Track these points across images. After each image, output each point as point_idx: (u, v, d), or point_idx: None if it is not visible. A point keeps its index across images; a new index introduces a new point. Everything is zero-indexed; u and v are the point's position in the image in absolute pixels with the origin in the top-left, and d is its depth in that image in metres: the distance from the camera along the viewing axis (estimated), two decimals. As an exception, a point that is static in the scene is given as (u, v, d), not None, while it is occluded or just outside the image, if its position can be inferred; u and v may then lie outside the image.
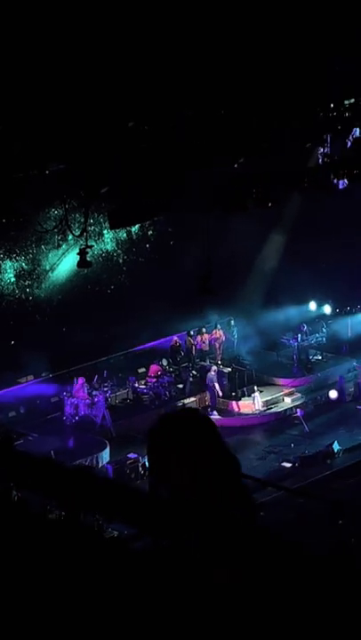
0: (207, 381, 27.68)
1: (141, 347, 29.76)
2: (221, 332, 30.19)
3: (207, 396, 27.77)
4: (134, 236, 30.25)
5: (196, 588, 3.12)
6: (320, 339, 30.95)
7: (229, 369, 28.94)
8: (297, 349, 30.22)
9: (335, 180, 22.96)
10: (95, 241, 27.57)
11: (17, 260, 27.97)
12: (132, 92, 16.64)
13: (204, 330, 29.95)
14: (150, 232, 30.46)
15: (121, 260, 30.28)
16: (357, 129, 22.21)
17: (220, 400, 27.83)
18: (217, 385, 27.70)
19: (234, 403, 28.05)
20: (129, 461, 23.15)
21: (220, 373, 28.03)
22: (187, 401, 27.54)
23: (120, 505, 3.56)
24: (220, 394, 27.82)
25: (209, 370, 28.07)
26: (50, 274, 28.62)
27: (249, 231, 29.48)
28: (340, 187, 23.05)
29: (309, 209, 30.64)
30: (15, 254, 27.84)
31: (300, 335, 30.36)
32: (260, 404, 27.96)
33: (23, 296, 28.45)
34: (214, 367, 28.21)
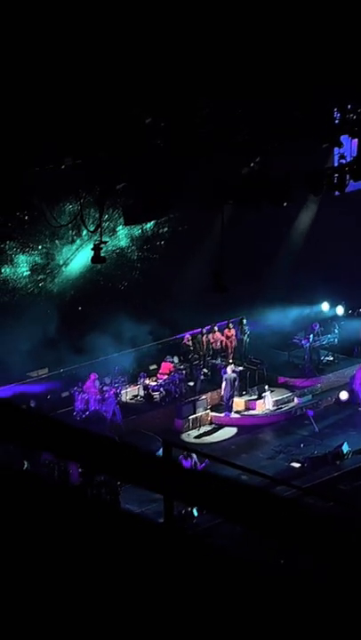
0: (223, 379, 27.64)
1: (153, 344, 29.74)
2: (233, 330, 30.14)
3: (222, 393, 27.74)
4: (148, 233, 30.22)
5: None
6: (332, 340, 30.85)
7: (241, 368, 28.91)
8: (308, 350, 30.15)
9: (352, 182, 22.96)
10: (109, 237, 27.57)
11: (31, 255, 27.98)
12: (149, 88, 16.64)
13: (216, 328, 29.90)
14: (165, 229, 30.42)
15: (135, 257, 30.25)
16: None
17: (232, 399, 27.79)
18: (235, 383, 27.70)
19: (245, 402, 28.03)
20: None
21: (233, 372, 27.99)
22: (198, 398, 27.55)
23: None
24: (234, 392, 27.78)
25: (224, 368, 28.02)
26: (63, 269, 28.62)
27: (263, 230, 29.44)
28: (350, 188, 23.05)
29: (324, 209, 30.60)
30: (29, 248, 27.84)
31: (311, 336, 30.28)
32: (271, 403, 27.93)
33: (36, 290, 28.46)
34: (230, 366, 28.13)
